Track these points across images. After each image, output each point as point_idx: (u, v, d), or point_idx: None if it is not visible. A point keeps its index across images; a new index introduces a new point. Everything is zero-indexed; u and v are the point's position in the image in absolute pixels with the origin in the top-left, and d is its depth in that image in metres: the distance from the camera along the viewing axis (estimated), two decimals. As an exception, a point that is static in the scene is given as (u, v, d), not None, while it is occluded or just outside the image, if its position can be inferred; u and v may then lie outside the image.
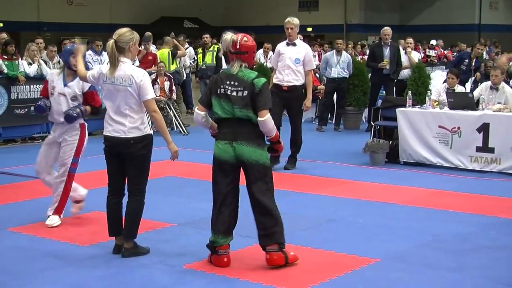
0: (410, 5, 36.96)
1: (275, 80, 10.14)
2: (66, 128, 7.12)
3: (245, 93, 5.63)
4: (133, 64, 6.23)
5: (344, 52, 14.91)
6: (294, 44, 10.16)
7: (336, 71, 14.55)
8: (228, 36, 5.74)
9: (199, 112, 5.85)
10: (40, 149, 7.39)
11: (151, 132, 6.12)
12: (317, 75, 16.34)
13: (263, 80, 5.70)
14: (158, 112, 6.02)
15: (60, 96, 7.09)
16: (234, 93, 5.65)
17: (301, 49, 10.15)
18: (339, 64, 14.57)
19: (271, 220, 5.73)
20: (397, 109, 10.72)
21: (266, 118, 5.62)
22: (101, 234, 6.54)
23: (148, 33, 16.00)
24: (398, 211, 7.82)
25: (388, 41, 14.25)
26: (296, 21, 10.19)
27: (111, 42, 5.92)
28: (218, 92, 5.70)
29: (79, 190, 7.38)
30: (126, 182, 6.15)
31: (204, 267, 5.84)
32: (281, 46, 10.28)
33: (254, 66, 16.92)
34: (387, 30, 14.28)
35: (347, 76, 14.63)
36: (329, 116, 15.24)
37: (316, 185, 9.20)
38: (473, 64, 15.19)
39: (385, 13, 35.84)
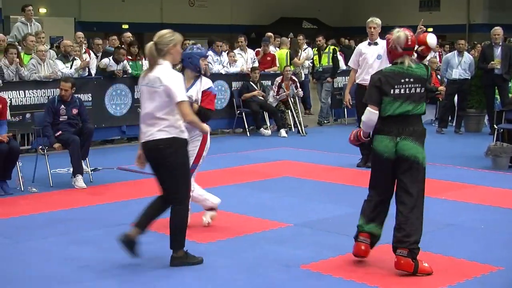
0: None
1: (358, 81, 10.24)
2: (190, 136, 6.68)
3: (423, 89, 5.69)
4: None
5: (465, 53, 14.56)
6: (376, 44, 10.19)
7: (458, 72, 14.24)
8: (401, 33, 5.69)
9: (375, 112, 5.69)
10: None
11: None
12: (438, 76, 16.02)
13: (429, 69, 5.83)
14: None
15: None
16: (413, 90, 5.66)
17: (383, 46, 9.83)
18: (461, 65, 14.25)
19: (409, 222, 5.55)
20: (522, 112, 10.38)
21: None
22: (222, 232, 6.65)
23: (269, 34, 16.13)
24: (522, 218, 7.56)
25: (499, 41, 13.87)
26: (378, 21, 10.29)
27: None
28: (392, 92, 5.65)
29: (212, 198, 7.08)
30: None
31: (320, 268, 5.81)
32: (363, 46, 10.38)
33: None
34: (497, 30, 13.94)
35: (469, 78, 14.30)
36: (450, 118, 14.92)
37: (435, 188, 8.98)
38: None
39: (512, 12, 34.61)
